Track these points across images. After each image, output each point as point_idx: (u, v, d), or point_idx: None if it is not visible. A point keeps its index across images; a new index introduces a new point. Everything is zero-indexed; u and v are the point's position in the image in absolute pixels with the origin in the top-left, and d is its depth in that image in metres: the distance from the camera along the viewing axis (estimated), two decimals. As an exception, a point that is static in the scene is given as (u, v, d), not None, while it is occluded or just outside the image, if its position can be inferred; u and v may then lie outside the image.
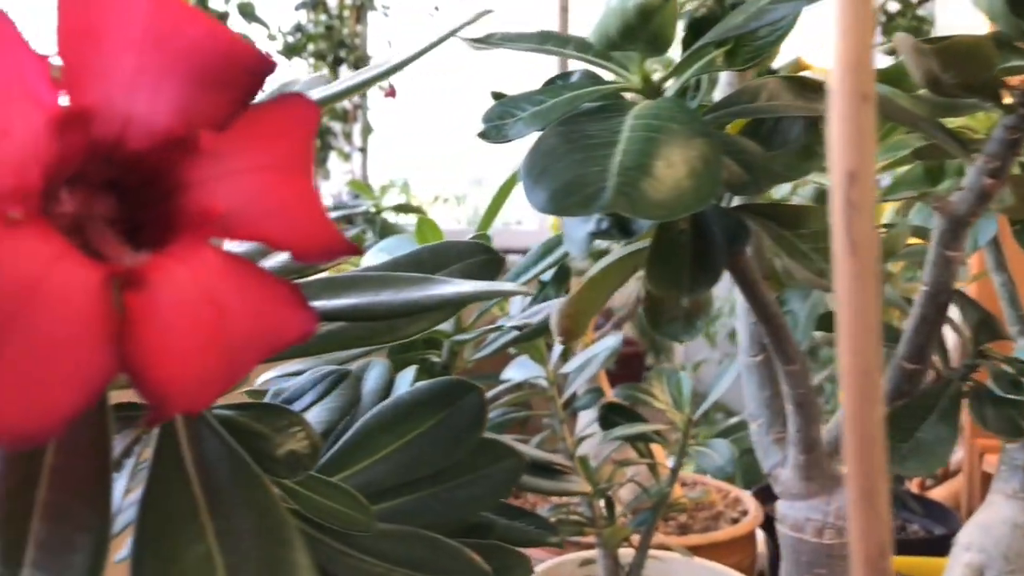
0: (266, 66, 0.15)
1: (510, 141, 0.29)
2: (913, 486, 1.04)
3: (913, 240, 0.36)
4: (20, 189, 0.14)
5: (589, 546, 0.73)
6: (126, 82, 0.15)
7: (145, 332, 0.14)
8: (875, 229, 0.18)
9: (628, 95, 0.30)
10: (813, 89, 0.30)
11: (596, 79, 0.32)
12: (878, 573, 0.19)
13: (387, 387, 0.36)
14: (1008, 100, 0.28)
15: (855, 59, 0.17)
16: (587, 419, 0.83)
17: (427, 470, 0.31)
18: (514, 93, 0.32)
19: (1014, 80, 0.29)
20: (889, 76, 0.32)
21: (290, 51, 2.29)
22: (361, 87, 0.21)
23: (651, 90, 0.29)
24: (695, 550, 0.74)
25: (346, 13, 2.63)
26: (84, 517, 0.17)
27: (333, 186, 2.68)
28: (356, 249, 0.17)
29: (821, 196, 0.37)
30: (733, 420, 1.17)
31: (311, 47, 2.39)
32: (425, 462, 0.31)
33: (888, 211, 0.40)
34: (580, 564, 0.67)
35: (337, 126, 2.59)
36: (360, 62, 2.64)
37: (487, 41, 0.34)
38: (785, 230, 0.29)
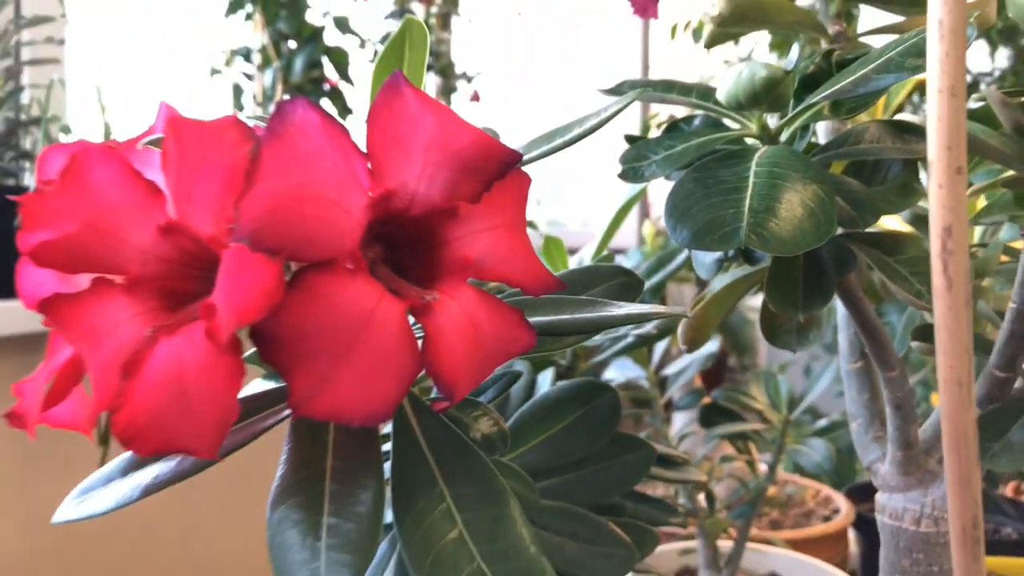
0: (513, 158, 0.21)
1: (647, 182, 0.35)
2: (1008, 491, 1.04)
3: (1004, 258, 0.40)
4: (352, 249, 0.20)
5: (687, 536, 0.78)
6: (416, 173, 0.21)
7: (438, 346, 0.20)
8: (967, 270, 0.22)
9: (748, 139, 0.35)
10: (912, 132, 0.34)
11: (717, 125, 0.37)
12: (972, 541, 0.24)
13: (530, 385, 0.42)
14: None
15: (950, 140, 0.22)
16: (682, 419, 0.87)
17: (571, 457, 0.37)
18: (647, 138, 0.37)
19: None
20: (981, 116, 0.36)
21: (382, 62, 2.40)
22: (555, 151, 0.27)
23: (768, 136, 0.34)
24: (789, 544, 0.78)
25: (432, 21, 2.72)
26: (363, 478, 0.24)
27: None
28: (565, 285, 0.23)
29: (916, 220, 0.41)
30: (823, 422, 1.18)
31: (400, 57, 2.48)
32: (569, 451, 0.37)
33: (978, 231, 0.44)
34: (680, 553, 0.72)
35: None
36: (446, 69, 2.73)
37: (618, 90, 0.39)
38: (886, 256, 0.33)
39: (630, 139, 0.38)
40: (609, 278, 0.34)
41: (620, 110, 0.27)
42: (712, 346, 0.66)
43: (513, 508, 0.24)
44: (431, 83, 2.71)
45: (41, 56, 1.26)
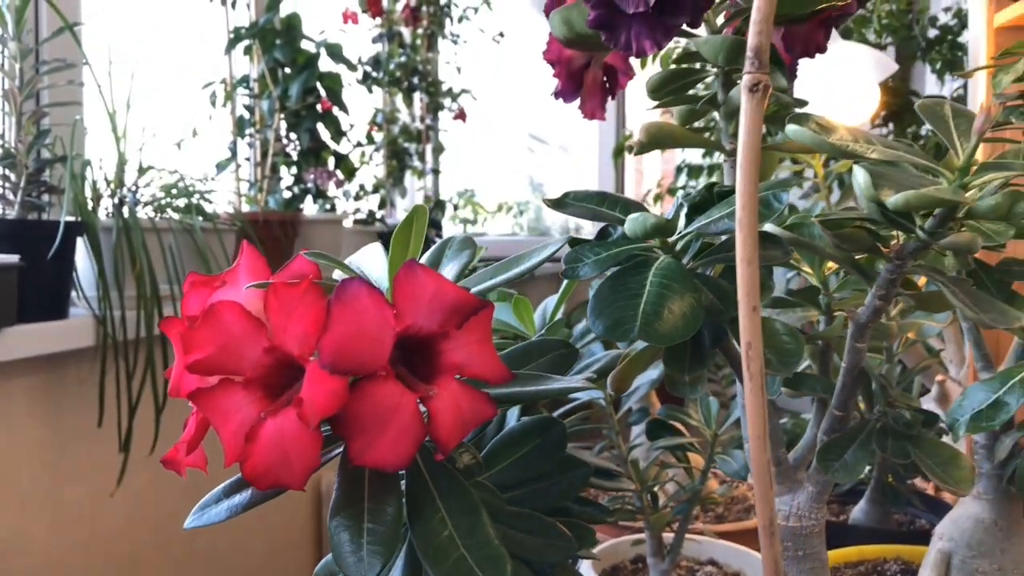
0: (481, 305, 0.35)
1: (581, 279, 0.49)
2: (929, 488, 1.19)
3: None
4: (385, 364, 0.34)
5: (639, 530, 0.92)
6: (422, 314, 0.35)
7: (437, 421, 0.34)
8: (762, 368, 0.36)
9: (654, 248, 0.49)
10: (771, 242, 0.48)
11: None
12: (770, 532, 0.38)
13: (501, 420, 0.55)
14: (888, 252, 0.46)
15: (748, 289, 0.36)
16: (637, 431, 1.02)
17: (530, 475, 0.51)
18: (583, 241, 0.51)
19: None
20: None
21: (372, 83, 2.51)
22: (507, 283, 0.41)
23: (667, 248, 0.48)
24: (727, 536, 0.93)
25: (419, 42, 2.85)
26: (388, 499, 0.38)
27: (408, 202, 2.90)
28: (514, 376, 0.37)
29: (775, 302, 0.55)
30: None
31: (387, 78, 2.60)
32: (529, 470, 0.51)
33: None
34: (632, 544, 0.87)
35: (412, 146, 2.79)
36: (432, 88, 2.86)
37: (562, 203, 0.53)
38: (749, 333, 0.47)
39: (572, 242, 0.51)
40: (554, 350, 0.49)
41: (554, 252, 0.41)
42: (656, 374, 0.80)
43: (484, 515, 0.38)
44: (417, 101, 2.84)
45: (63, 99, 1.38)
